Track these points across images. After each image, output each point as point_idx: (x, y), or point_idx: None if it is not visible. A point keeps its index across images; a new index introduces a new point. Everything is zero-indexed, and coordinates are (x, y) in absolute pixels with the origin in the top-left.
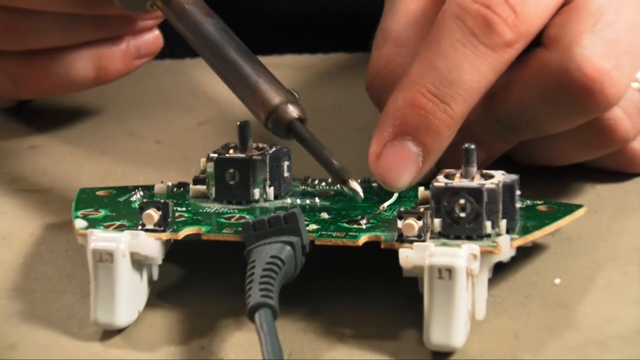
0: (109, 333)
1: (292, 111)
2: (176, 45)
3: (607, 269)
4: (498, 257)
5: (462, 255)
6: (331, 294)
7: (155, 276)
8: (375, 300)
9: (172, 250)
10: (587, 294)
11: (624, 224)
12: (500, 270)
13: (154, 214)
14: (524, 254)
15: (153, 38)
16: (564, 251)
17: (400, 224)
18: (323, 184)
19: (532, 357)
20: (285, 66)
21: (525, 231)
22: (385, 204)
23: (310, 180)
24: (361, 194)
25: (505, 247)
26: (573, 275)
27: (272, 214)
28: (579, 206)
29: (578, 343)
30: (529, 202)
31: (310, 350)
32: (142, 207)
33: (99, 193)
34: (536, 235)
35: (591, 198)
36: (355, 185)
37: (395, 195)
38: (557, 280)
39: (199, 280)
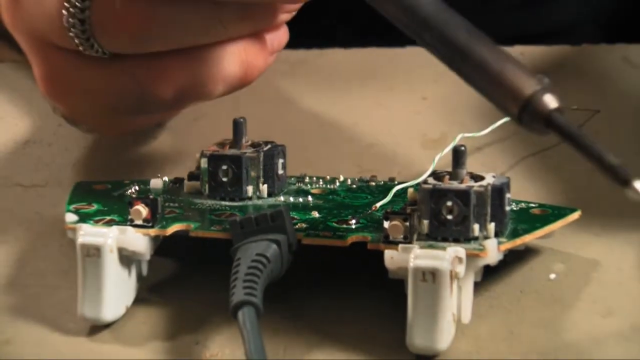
0: (103, 329)
1: (550, 101)
2: None
3: (602, 265)
4: (484, 261)
5: (446, 258)
6: (319, 294)
7: (145, 272)
8: (363, 301)
9: (165, 245)
10: (582, 290)
11: (618, 220)
12: (495, 266)
13: (142, 210)
14: (519, 249)
15: (284, 30)
16: (559, 246)
17: (386, 225)
18: (321, 182)
19: (527, 353)
20: (281, 61)
21: (514, 234)
22: (378, 204)
23: (306, 177)
24: None
25: (492, 250)
26: (568, 270)
27: (259, 212)
28: (573, 210)
29: (574, 339)
30: (523, 204)
31: (293, 350)
32: (131, 203)
33: (95, 187)
34: (526, 239)
35: (586, 194)
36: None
37: (390, 196)
38: (553, 276)
39: (191, 276)
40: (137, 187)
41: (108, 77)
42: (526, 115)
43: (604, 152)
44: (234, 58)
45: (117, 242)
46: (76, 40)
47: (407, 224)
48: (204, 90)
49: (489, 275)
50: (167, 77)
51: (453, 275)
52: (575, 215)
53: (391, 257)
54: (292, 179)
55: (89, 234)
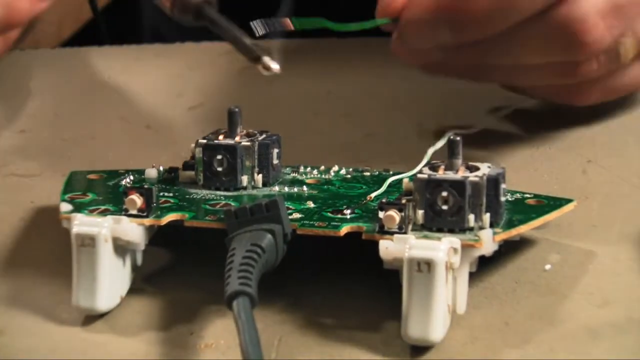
0: (98, 319)
1: None
2: (166, 31)
3: (598, 256)
4: (479, 251)
5: (441, 248)
6: (313, 284)
7: (139, 261)
8: (357, 292)
9: (160, 234)
10: (578, 281)
11: (614, 210)
12: (490, 257)
13: (137, 200)
14: (514, 240)
15: None
16: (555, 237)
17: (381, 215)
18: (315, 172)
19: (523, 344)
20: (276, 50)
21: (510, 225)
22: (373, 195)
23: (301, 167)
24: (276, 68)
25: (487, 241)
26: (564, 261)
27: (254, 202)
28: (568, 200)
29: (569, 330)
30: (518, 195)
31: (289, 341)
32: (126, 193)
33: (90, 176)
34: (521, 230)
35: (582, 184)
36: (268, 61)
37: (385, 186)
38: (548, 266)
39: (186, 266)
40: (131, 177)
41: None
42: (177, 8)
43: (242, 36)
44: None
45: (112, 232)
46: None
47: (402, 214)
48: None
49: (484, 266)
50: None
51: (448, 266)
52: (571, 205)
53: (386, 247)
54: (287, 168)
55: (83, 223)
